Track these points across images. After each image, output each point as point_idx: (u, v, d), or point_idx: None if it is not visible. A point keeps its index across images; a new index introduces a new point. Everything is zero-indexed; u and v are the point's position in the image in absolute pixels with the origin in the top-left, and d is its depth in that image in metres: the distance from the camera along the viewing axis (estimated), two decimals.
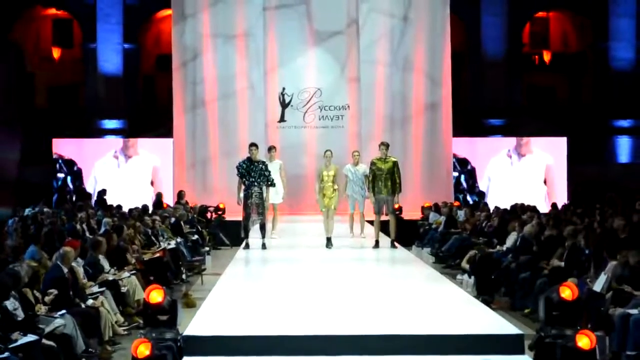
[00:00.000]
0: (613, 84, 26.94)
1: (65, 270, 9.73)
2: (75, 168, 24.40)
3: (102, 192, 22.87)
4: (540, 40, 29.25)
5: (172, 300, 7.54)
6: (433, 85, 22.45)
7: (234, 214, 17.42)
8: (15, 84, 27.24)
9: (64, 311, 8.92)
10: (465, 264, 14.36)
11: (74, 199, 23.34)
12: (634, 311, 8.85)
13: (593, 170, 25.39)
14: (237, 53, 22.30)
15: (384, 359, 7.30)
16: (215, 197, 21.42)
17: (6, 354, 7.57)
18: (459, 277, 14.14)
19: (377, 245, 14.02)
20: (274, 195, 15.13)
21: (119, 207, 19.48)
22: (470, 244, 15.47)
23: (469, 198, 24.09)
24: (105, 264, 11.54)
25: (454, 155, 23.37)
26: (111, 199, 22.02)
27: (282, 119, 22.32)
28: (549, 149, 24.36)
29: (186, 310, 10.11)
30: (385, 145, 14.09)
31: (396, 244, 14.18)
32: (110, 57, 26.49)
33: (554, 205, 21.01)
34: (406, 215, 19.77)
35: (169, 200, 21.80)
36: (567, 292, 7.42)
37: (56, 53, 28.87)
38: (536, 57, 29.28)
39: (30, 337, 7.94)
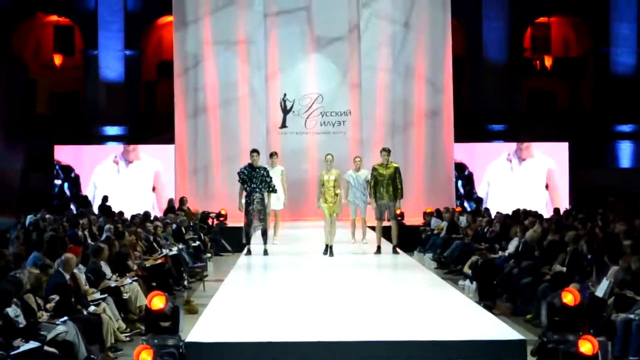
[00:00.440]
0: (614, 89, 26.95)
1: (67, 276, 9.74)
2: (72, 174, 24.40)
3: (105, 199, 22.90)
4: (541, 46, 29.23)
5: (174, 306, 7.53)
6: (434, 91, 22.46)
7: (236, 220, 17.43)
8: (17, 91, 27.23)
9: (65, 318, 8.91)
10: (467, 270, 14.32)
11: (70, 205, 23.33)
12: (636, 316, 8.84)
13: (594, 175, 25.38)
14: (239, 59, 22.33)
15: None
16: (216, 204, 21.40)
17: None
18: (461, 282, 14.12)
19: (379, 250, 14.01)
20: (275, 202, 15.11)
21: (121, 213, 19.49)
22: (472, 250, 15.45)
23: (466, 204, 23.88)
24: (107, 271, 11.54)
25: None
26: (110, 205, 22.01)
27: (283, 125, 22.33)
28: (551, 154, 24.34)
29: (188, 316, 10.07)
30: (386, 151, 14.10)
31: (398, 249, 14.17)
32: (111, 63, 26.53)
33: (556, 210, 20.98)
34: (408, 220, 19.74)
35: None
36: (569, 297, 7.41)
37: (57, 60, 28.87)
38: (537, 62, 29.24)
39: (32, 344, 7.94)
